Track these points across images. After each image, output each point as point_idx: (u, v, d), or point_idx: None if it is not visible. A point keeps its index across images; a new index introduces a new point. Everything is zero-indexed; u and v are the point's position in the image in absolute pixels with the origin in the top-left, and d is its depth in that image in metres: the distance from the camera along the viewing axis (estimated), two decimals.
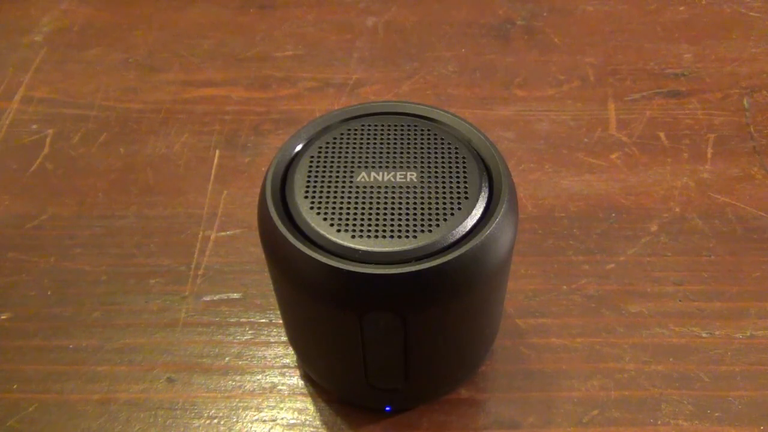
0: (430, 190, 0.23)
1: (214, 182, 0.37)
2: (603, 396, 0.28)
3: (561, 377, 0.28)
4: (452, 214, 0.22)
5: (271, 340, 0.30)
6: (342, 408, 0.28)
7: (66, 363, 0.29)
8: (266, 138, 0.39)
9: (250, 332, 0.30)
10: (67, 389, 0.29)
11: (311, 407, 0.28)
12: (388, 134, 0.25)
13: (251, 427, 0.28)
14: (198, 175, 0.37)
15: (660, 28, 0.46)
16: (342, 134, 0.25)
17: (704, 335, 0.30)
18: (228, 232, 0.34)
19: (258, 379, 0.29)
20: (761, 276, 0.32)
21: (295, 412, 0.28)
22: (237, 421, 0.28)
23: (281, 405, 0.28)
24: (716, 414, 0.27)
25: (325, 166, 0.24)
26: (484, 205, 0.23)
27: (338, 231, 0.22)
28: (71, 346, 0.30)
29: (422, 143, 0.24)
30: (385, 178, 0.23)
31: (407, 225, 0.22)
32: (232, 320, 0.31)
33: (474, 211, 0.22)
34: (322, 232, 0.22)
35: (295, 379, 0.29)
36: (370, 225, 0.22)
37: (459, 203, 0.22)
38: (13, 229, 0.35)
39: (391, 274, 0.20)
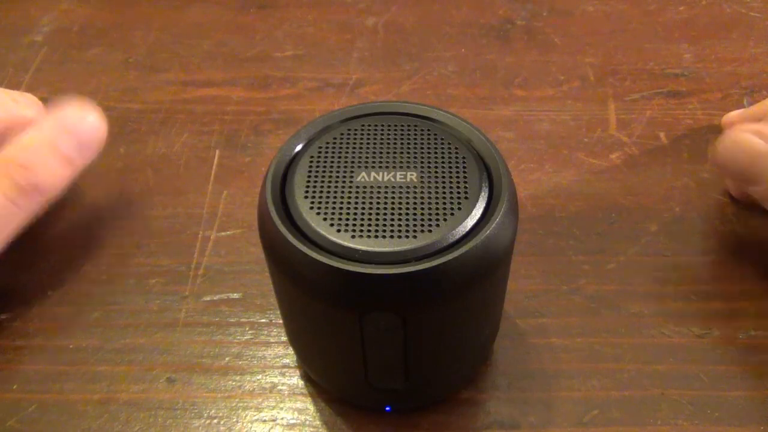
0: (430, 190, 0.23)
1: (214, 182, 0.37)
2: (603, 396, 0.28)
3: (561, 377, 0.28)
4: (452, 214, 0.22)
5: (271, 340, 0.30)
6: (342, 408, 0.28)
7: (66, 363, 0.29)
8: (266, 138, 0.39)
9: (250, 332, 0.30)
10: (67, 389, 0.29)
11: (311, 407, 0.28)
12: (388, 134, 0.25)
13: (251, 427, 0.28)
14: (198, 175, 0.37)
15: (660, 28, 0.46)
16: (342, 134, 0.25)
17: (704, 335, 0.30)
18: (228, 232, 0.34)
19: (258, 379, 0.29)
20: (761, 276, 0.32)
21: (295, 412, 0.28)
22: (237, 421, 0.28)
23: (281, 405, 0.28)
24: (716, 414, 0.27)
25: (325, 166, 0.24)
26: (484, 205, 0.23)
27: (338, 231, 0.22)
28: (71, 346, 0.30)
29: (422, 143, 0.24)
30: (385, 178, 0.23)
31: (407, 225, 0.22)
32: (232, 320, 0.31)
33: (474, 211, 0.22)
34: (322, 232, 0.22)
35: (295, 379, 0.29)
36: (370, 225, 0.22)
37: (459, 203, 0.22)
38: None
39: (391, 274, 0.20)
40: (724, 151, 0.31)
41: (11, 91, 0.34)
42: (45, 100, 0.42)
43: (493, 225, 0.22)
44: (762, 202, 0.30)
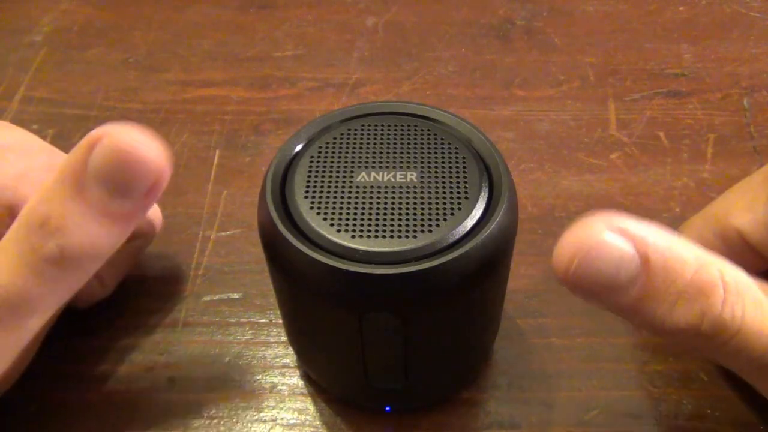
0: (430, 190, 0.23)
1: (214, 182, 0.37)
2: (603, 396, 0.28)
3: (561, 377, 0.28)
4: (452, 214, 0.22)
5: (271, 340, 0.30)
6: (342, 408, 0.28)
7: (66, 363, 0.29)
8: (266, 138, 0.39)
9: (250, 332, 0.30)
10: (67, 389, 0.29)
11: (311, 407, 0.28)
12: (388, 134, 0.25)
13: (251, 427, 0.28)
14: (198, 175, 0.37)
15: (660, 28, 0.46)
16: (342, 134, 0.25)
17: None
18: (228, 232, 0.34)
19: (258, 379, 0.29)
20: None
21: (295, 412, 0.28)
22: (237, 421, 0.28)
23: (281, 405, 0.28)
24: (716, 414, 0.27)
25: (325, 166, 0.24)
26: (484, 205, 0.23)
27: (338, 231, 0.22)
28: (71, 346, 0.30)
29: (422, 143, 0.24)
30: (385, 178, 0.23)
31: (407, 225, 0.22)
32: (232, 320, 0.31)
33: (474, 211, 0.22)
34: (322, 232, 0.22)
35: (295, 379, 0.29)
36: (370, 225, 0.22)
37: (459, 203, 0.22)
38: None
39: (391, 274, 0.20)
40: (583, 264, 0.21)
41: (54, 153, 0.28)
42: (45, 101, 0.42)
43: (493, 225, 0.22)
44: (636, 319, 0.23)
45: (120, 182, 0.22)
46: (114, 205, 0.22)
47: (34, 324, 0.23)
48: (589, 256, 0.20)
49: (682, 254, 0.20)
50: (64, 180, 0.22)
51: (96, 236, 0.22)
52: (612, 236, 0.20)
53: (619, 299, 0.21)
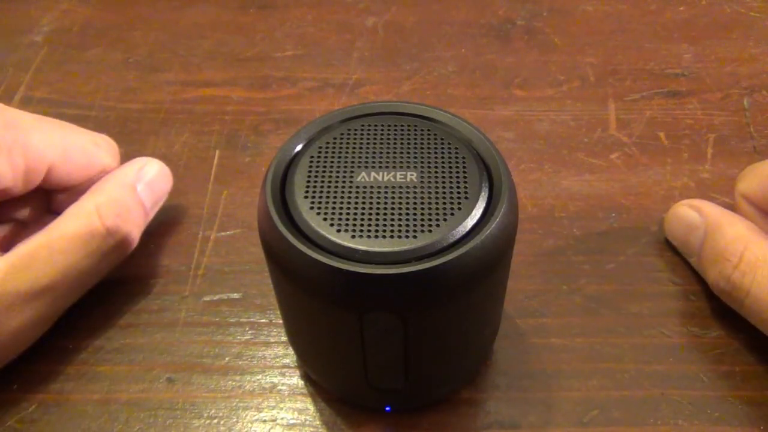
0: (430, 190, 0.23)
1: (214, 182, 0.37)
2: (603, 396, 0.28)
3: (561, 377, 0.28)
4: (452, 214, 0.22)
5: (271, 340, 0.30)
6: (342, 408, 0.28)
7: (66, 363, 0.29)
8: (266, 138, 0.39)
9: (250, 332, 0.30)
10: (67, 389, 0.29)
11: (311, 407, 0.28)
12: (388, 134, 0.25)
13: (251, 427, 0.28)
14: (198, 175, 0.37)
15: (660, 28, 0.46)
16: (342, 134, 0.25)
17: (704, 335, 0.30)
18: (228, 232, 0.34)
19: (258, 379, 0.29)
20: None
21: (295, 412, 0.28)
22: (237, 421, 0.28)
23: (281, 405, 0.28)
24: (716, 414, 0.27)
25: (325, 166, 0.24)
26: (484, 205, 0.23)
27: (338, 231, 0.22)
28: (71, 346, 0.30)
29: (422, 143, 0.24)
30: (385, 178, 0.23)
31: (407, 225, 0.22)
32: (232, 320, 0.31)
33: (474, 211, 0.22)
34: (322, 232, 0.22)
35: (295, 379, 0.29)
36: (370, 225, 0.22)
37: (459, 203, 0.22)
38: None
39: (391, 274, 0.20)
40: (667, 224, 0.32)
41: (92, 133, 0.32)
42: (45, 101, 0.42)
43: (493, 225, 0.22)
44: (701, 274, 0.31)
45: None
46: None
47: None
48: (670, 218, 0.32)
49: (725, 231, 0.28)
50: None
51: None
52: (686, 209, 0.31)
53: (691, 258, 0.31)
